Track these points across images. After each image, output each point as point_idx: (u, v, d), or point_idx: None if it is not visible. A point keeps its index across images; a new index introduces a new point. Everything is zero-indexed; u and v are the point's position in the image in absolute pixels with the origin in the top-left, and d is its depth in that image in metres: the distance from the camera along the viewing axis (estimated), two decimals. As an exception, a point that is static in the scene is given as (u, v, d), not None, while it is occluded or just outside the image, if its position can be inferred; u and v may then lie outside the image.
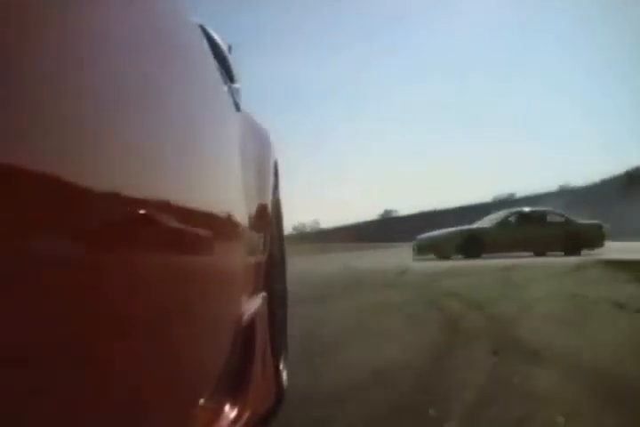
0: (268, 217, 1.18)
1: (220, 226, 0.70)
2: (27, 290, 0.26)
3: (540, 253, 9.96)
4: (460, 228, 10.45)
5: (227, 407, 0.70)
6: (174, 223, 0.49)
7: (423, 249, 10.10)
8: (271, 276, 1.25)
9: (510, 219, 10.53)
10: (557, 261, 6.60)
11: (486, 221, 10.90)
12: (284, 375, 1.36)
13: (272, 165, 1.36)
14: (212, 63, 0.86)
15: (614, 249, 9.31)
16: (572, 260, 6.03)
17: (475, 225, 10.91)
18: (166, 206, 0.47)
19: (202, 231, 0.60)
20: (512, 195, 37.38)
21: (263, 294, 1.04)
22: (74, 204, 0.31)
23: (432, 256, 9.80)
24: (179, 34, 0.62)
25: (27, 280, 0.26)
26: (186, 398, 0.55)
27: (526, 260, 7.27)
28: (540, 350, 1.79)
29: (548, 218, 10.81)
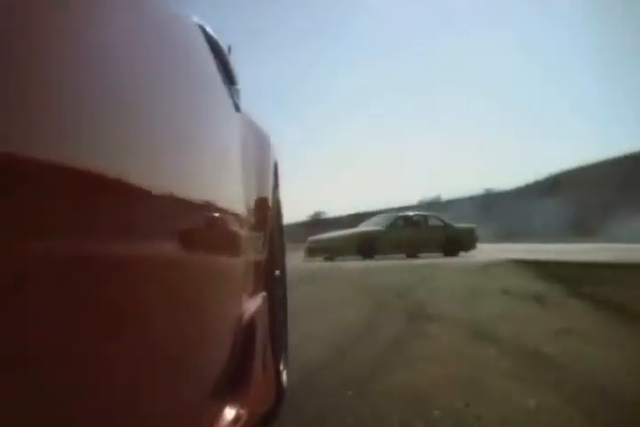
0: (268, 217, 1.18)
1: (221, 226, 0.70)
2: (26, 290, 0.26)
3: (412, 255, 10.67)
4: (354, 230, 11.02)
5: (227, 407, 0.70)
6: (174, 223, 0.49)
7: (314, 251, 10.36)
8: (271, 276, 1.25)
9: (398, 222, 11.12)
10: (462, 261, 8.00)
11: (371, 224, 11.43)
12: (285, 375, 1.36)
13: (272, 165, 1.36)
14: (212, 63, 0.86)
15: (486, 250, 11.15)
16: (480, 260, 7.30)
17: (365, 228, 11.37)
18: (166, 206, 0.47)
19: (202, 232, 0.60)
20: (438, 198, 38.61)
21: (263, 293, 1.04)
22: (74, 203, 0.31)
23: (320, 258, 10.17)
24: (179, 34, 0.62)
25: (26, 280, 0.26)
26: (186, 397, 0.55)
27: (437, 260, 8.67)
28: (437, 316, 2.80)
29: (430, 222, 11.54)
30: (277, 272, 1.47)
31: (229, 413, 0.69)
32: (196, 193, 0.58)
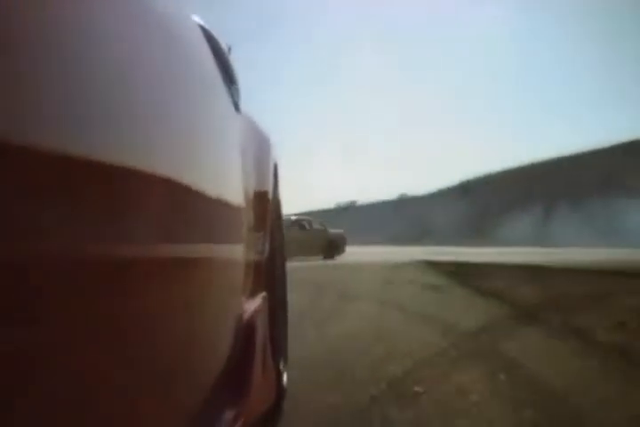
0: (269, 217, 1.18)
1: (221, 226, 0.70)
2: (25, 288, 0.26)
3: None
4: None
5: (226, 407, 0.70)
6: (174, 223, 0.49)
7: None
8: (271, 276, 1.25)
9: (292, 226, 11.60)
10: (378, 260, 9.98)
11: None
12: (285, 376, 1.36)
13: (272, 165, 1.36)
14: (212, 63, 0.86)
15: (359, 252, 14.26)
16: (393, 260, 9.22)
17: None
18: (166, 206, 0.47)
19: (202, 232, 0.60)
20: (354, 202, 39.73)
21: (263, 294, 1.04)
22: (74, 203, 0.31)
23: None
24: (179, 33, 0.62)
25: (25, 278, 0.26)
26: (185, 397, 0.55)
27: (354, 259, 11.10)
28: (359, 296, 4.15)
29: (314, 226, 12.23)
30: (277, 272, 1.47)
31: (229, 413, 0.69)
32: (195, 193, 0.58)
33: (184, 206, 0.53)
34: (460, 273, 5.87)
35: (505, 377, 1.68)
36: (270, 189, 1.26)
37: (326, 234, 12.10)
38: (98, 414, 0.35)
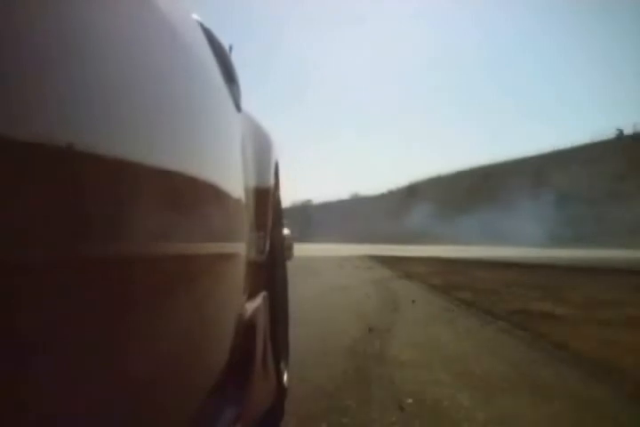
0: (269, 216, 1.18)
1: (222, 225, 0.70)
2: (26, 287, 0.26)
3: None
4: None
5: (227, 407, 0.70)
6: (175, 222, 0.49)
7: None
8: (272, 275, 1.25)
9: None
10: (332, 255, 13.60)
11: None
12: (285, 375, 1.36)
13: (273, 164, 1.36)
14: (213, 63, 0.86)
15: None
16: (344, 255, 13.17)
17: None
18: (168, 205, 0.47)
19: (204, 230, 0.60)
20: (309, 201, 40.96)
21: (264, 293, 1.04)
22: (75, 203, 0.31)
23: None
24: (179, 33, 0.62)
25: (26, 277, 0.26)
26: (187, 396, 0.55)
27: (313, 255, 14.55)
28: (323, 273, 7.68)
29: None
30: (278, 271, 1.47)
31: (229, 412, 0.69)
32: (197, 192, 0.58)
33: (186, 205, 0.53)
34: (387, 261, 9.63)
35: (384, 291, 4.94)
36: (271, 187, 1.26)
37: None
38: (98, 413, 0.35)
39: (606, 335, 2.48)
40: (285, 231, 8.91)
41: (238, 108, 1.08)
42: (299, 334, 1.97)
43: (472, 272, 7.55)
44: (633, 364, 1.92)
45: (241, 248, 0.82)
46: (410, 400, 1.57)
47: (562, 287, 5.13)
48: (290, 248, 10.87)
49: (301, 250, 14.88)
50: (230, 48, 1.26)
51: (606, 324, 2.82)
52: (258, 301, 0.96)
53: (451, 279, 6.07)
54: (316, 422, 1.40)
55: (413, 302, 4.02)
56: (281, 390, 1.22)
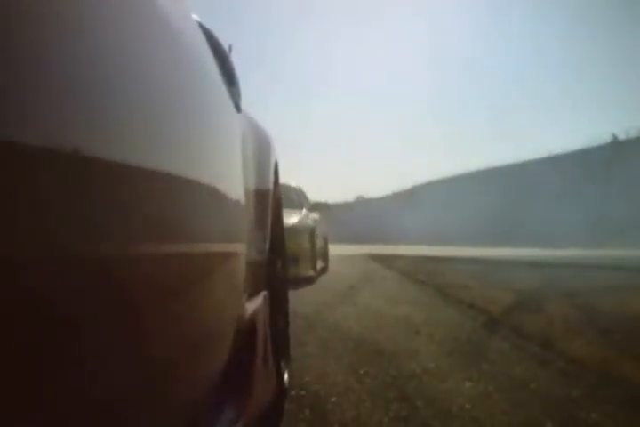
0: (269, 216, 1.18)
1: (222, 225, 0.70)
2: (26, 288, 0.26)
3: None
4: None
5: (227, 407, 0.70)
6: (175, 222, 0.50)
7: None
8: (272, 275, 1.25)
9: None
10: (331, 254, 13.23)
11: None
12: (286, 375, 1.36)
13: (272, 165, 1.36)
14: (213, 63, 0.86)
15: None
16: (349, 253, 13.46)
17: None
18: (168, 205, 0.47)
19: (204, 230, 0.60)
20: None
21: (264, 293, 1.04)
22: (74, 203, 0.31)
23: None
24: (179, 33, 0.62)
25: (25, 276, 0.26)
26: (187, 396, 0.55)
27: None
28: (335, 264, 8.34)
29: None
30: (278, 271, 1.47)
31: (230, 412, 0.69)
32: (197, 192, 0.58)
33: (185, 205, 0.53)
34: (380, 259, 10.43)
35: (372, 274, 6.31)
36: (271, 188, 1.26)
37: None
38: (98, 413, 0.35)
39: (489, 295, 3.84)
40: (322, 236, 7.18)
41: (238, 108, 1.08)
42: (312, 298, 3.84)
43: (441, 265, 8.30)
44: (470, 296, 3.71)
45: (241, 248, 0.82)
46: (362, 304, 3.52)
47: (495, 274, 6.08)
48: (325, 257, 6.82)
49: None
50: (230, 48, 1.26)
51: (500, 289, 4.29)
52: (258, 300, 0.96)
53: (419, 269, 7.28)
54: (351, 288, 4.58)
55: (383, 278, 5.77)
56: (281, 390, 1.22)
